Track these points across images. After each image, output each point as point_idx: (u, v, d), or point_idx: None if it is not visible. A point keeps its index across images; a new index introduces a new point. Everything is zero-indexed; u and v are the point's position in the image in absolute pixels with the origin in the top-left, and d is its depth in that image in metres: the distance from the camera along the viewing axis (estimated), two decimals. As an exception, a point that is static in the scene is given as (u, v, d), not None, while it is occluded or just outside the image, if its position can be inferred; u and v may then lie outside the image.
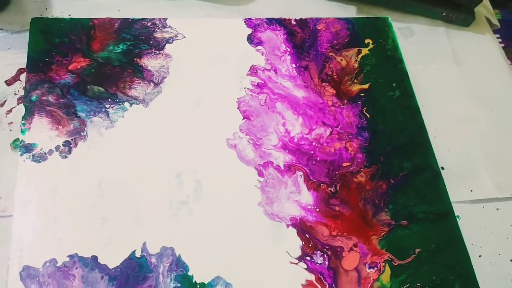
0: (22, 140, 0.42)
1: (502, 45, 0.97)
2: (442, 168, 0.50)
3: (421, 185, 0.46)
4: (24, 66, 0.49)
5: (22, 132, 0.43)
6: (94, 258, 0.39)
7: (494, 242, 0.48)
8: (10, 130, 0.47)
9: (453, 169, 0.51)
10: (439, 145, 0.52)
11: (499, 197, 0.51)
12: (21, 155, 0.42)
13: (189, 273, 0.39)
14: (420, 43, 0.61)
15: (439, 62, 0.60)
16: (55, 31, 0.48)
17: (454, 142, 0.53)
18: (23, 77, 0.50)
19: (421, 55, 0.59)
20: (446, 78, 0.58)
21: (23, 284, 0.37)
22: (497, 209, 0.51)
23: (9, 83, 0.50)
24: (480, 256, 0.48)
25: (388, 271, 0.42)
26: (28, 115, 0.43)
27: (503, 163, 0.53)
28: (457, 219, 0.47)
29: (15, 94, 0.50)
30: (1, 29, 0.53)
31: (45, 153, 0.42)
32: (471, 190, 0.51)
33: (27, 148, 0.42)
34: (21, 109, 0.46)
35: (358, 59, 0.52)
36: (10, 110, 0.49)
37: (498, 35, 1.04)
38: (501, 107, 0.58)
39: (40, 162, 0.42)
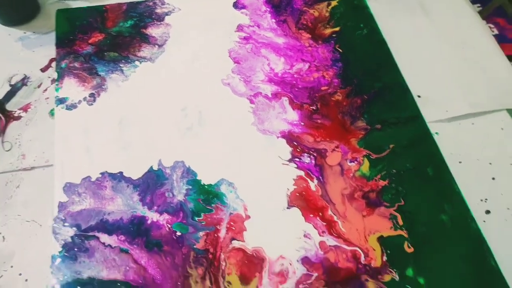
0: (56, 96, 0.53)
1: (480, 8, 1.04)
2: (419, 96, 0.58)
3: (391, 98, 0.54)
4: (54, 57, 0.61)
5: (56, 90, 0.53)
6: (121, 173, 0.48)
7: (472, 150, 0.55)
8: (47, 103, 0.58)
9: (429, 96, 0.59)
10: (415, 78, 0.58)
11: (473, 113, 0.57)
12: (56, 105, 0.52)
13: (198, 178, 0.48)
14: (389, 2, 0.69)
15: (409, 16, 0.67)
16: (76, 16, 0.59)
17: (429, 75, 0.60)
18: (54, 65, 0.61)
19: (392, 12, 0.67)
20: (417, 29, 0.65)
21: (66, 195, 0.46)
22: (473, 123, 0.58)
23: (43, 70, 0.62)
24: (460, 162, 0.54)
25: (367, 163, 0.49)
26: (60, 78, 0.54)
27: (474, 86, 0.60)
28: (436, 135, 0.54)
29: (49, 77, 0.61)
30: (34, 32, 0.66)
31: (75, 103, 0.52)
32: (447, 111, 0.57)
33: (61, 101, 0.52)
34: (54, 88, 0.57)
35: (329, 10, 0.62)
36: (46, 89, 0.60)
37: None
38: (470, 44, 0.65)
39: (72, 109, 0.52)
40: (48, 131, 0.55)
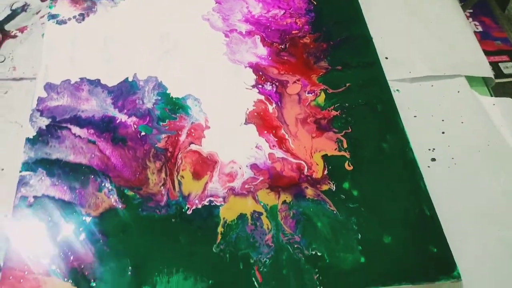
0: (49, 12, 0.58)
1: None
2: (386, 58, 0.63)
3: (355, 45, 0.59)
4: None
5: (50, 7, 0.59)
6: (98, 80, 0.53)
7: (427, 107, 0.59)
8: (42, 28, 0.64)
9: (396, 58, 0.64)
10: (385, 43, 0.63)
11: (433, 75, 0.62)
12: (48, 20, 0.57)
13: (168, 92, 0.53)
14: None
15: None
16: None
17: (398, 41, 0.65)
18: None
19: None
20: (394, 8, 0.70)
21: (46, 92, 0.51)
22: (432, 85, 0.63)
23: (42, 0, 0.67)
24: (415, 116, 0.59)
25: (323, 95, 0.54)
26: (54, -1, 0.60)
27: (437, 54, 0.64)
28: (397, 91, 0.59)
29: (47, 6, 0.66)
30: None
31: (65, 19, 0.58)
32: (410, 72, 0.62)
33: (53, 16, 0.58)
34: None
35: (310, -32, 0.67)
36: (43, 16, 0.65)
37: None
38: (441, 21, 0.70)
39: (62, 24, 0.57)
40: (39, 51, 0.60)
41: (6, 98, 0.59)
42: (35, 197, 0.44)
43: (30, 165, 0.46)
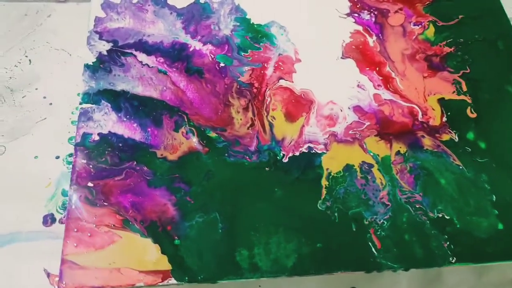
0: None
1: None
2: None
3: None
4: None
5: None
6: (164, 0, 0.43)
7: None
8: None
9: None
10: None
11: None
12: None
13: (247, 17, 0.43)
14: None
15: None
16: None
17: None
18: None
19: None
20: None
21: (104, 12, 0.42)
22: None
23: None
24: None
25: (432, 28, 0.44)
26: None
27: None
28: None
29: None
30: None
31: None
32: None
33: None
34: None
35: None
36: None
37: None
38: None
39: None
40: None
41: (49, 22, 0.50)
42: (100, 134, 0.36)
43: (92, 97, 0.37)
